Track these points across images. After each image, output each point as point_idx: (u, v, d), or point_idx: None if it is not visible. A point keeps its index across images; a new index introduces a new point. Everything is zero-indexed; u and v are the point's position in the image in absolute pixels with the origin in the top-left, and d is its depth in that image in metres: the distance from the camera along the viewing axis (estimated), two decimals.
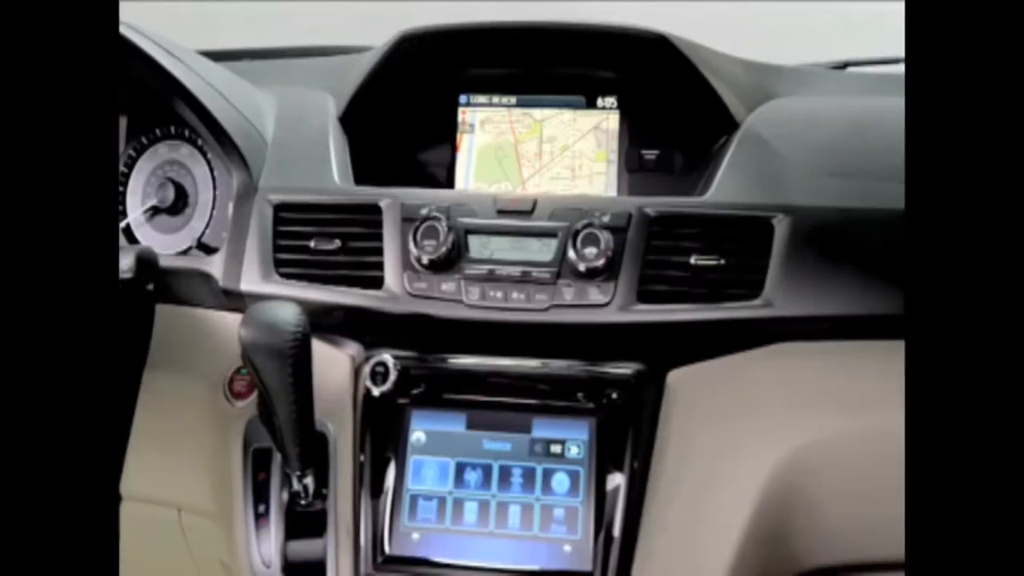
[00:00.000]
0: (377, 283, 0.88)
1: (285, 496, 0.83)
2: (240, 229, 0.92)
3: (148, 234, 1.07)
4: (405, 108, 1.10)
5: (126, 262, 0.86)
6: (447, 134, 1.12)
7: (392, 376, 0.83)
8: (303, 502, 0.82)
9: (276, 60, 1.28)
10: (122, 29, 0.89)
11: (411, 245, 0.87)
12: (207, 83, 0.95)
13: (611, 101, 1.10)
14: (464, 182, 1.12)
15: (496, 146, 1.12)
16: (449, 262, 0.87)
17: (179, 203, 1.07)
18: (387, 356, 0.85)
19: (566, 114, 1.11)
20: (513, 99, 1.12)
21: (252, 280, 0.90)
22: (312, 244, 0.90)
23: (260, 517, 0.82)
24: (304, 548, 0.81)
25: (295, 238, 0.91)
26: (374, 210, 0.91)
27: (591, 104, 1.11)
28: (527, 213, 0.89)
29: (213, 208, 1.07)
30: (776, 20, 1.55)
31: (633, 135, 1.09)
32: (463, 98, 1.13)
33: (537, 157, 1.11)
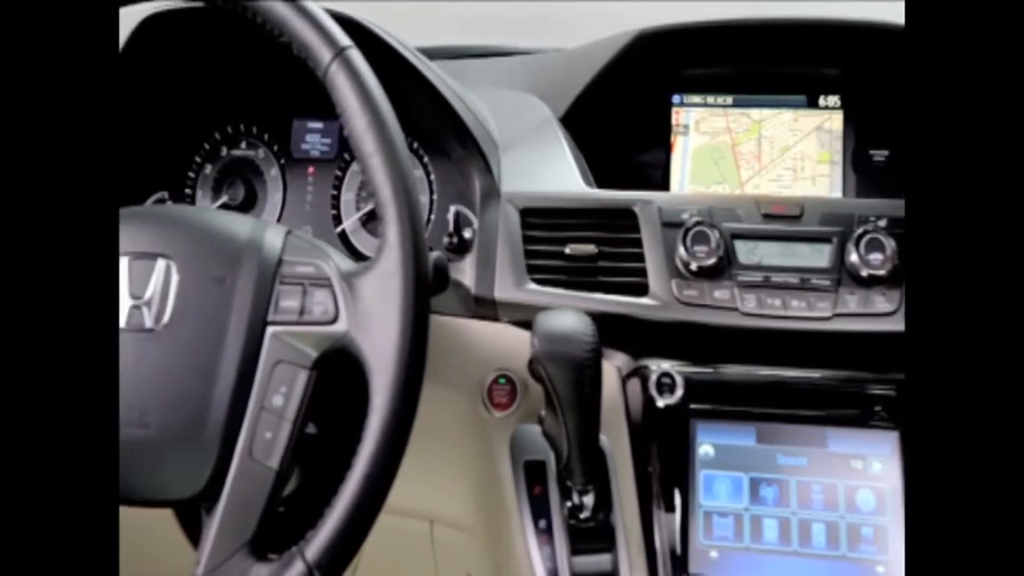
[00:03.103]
0: (641, 290, 0.85)
1: (564, 510, 0.80)
2: (488, 235, 0.90)
3: (364, 239, 1.05)
4: (619, 109, 1.07)
5: None
6: (660, 135, 1.09)
7: (679, 387, 0.81)
8: (582, 516, 0.79)
9: (456, 61, 1.26)
10: (375, 30, 0.88)
11: (680, 250, 0.84)
12: (446, 83, 0.93)
13: (834, 100, 1.07)
14: (679, 184, 1.09)
15: (712, 147, 1.09)
16: (719, 269, 0.84)
17: None
18: (668, 366, 0.82)
19: (786, 114, 1.08)
20: (729, 99, 1.09)
21: (506, 287, 0.87)
22: (567, 250, 0.87)
23: (541, 532, 0.79)
24: (591, 563, 0.78)
25: (546, 243, 0.89)
26: (627, 214, 0.89)
27: (812, 103, 1.08)
28: (796, 218, 0.86)
29: (431, 212, 1.05)
30: None
31: (859, 135, 1.06)
32: (676, 98, 1.09)
33: (756, 158, 1.08)
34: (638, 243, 0.87)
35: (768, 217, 0.86)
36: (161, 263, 0.65)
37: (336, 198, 1.06)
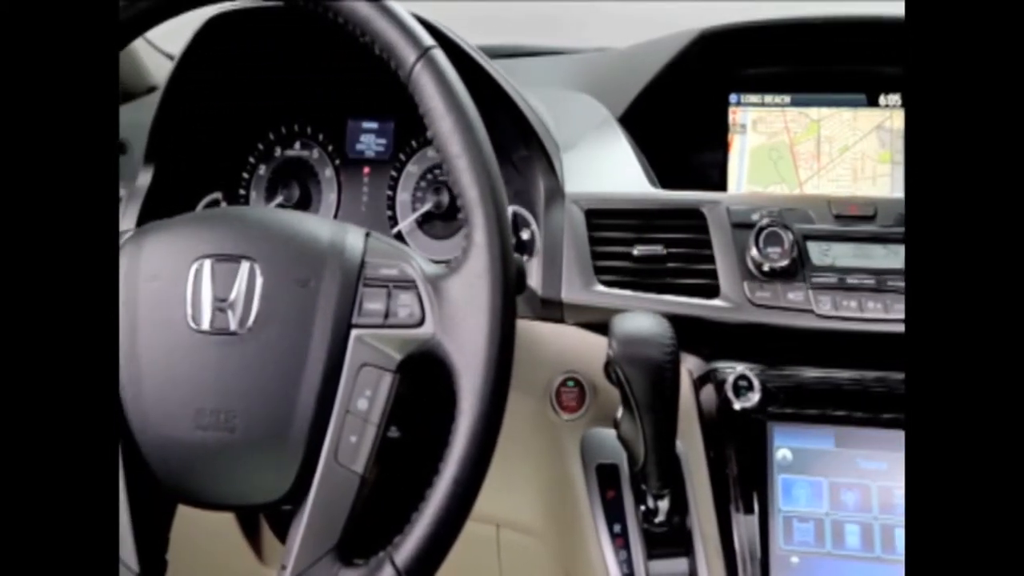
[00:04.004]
0: (711, 291, 0.84)
1: (639, 515, 0.79)
2: (553, 237, 0.89)
3: (421, 241, 1.04)
4: (677, 109, 1.06)
5: None
6: (717, 135, 1.08)
7: (757, 390, 0.79)
8: (656, 520, 0.78)
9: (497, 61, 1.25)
10: (439, 27, 0.87)
11: (753, 252, 0.83)
12: (509, 82, 0.92)
13: (895, 99, 1.05)
14: (736, 184, 1.07)
15: (770, 147, 1.08)
16: (792, 270, 0.83)
17: (452, 207, 1.04)
18: (742, 369, 0.81)
19: (845, 113, 1.07)
20: (787, 98, 1.08)
21: (573, 289, 0.86)
22: (635, 251, 0.86)
23: (616, 536, 0.78)
24: (667, 567, 0.77)
25: (612, 244, 0.88)
26: (695, 215, 0.88)
27: (872, 102, 1.06)
28: (869, 218, 0.85)
29: None
30: None
31: None
32: (733, 97, 1.08)
33: (815, 158, 1.07)
34: (707, 244, 0.86)
35: (840, 218, 0.85)
36: (245, 265, 0.65)
37: (392, 199, 1.05)
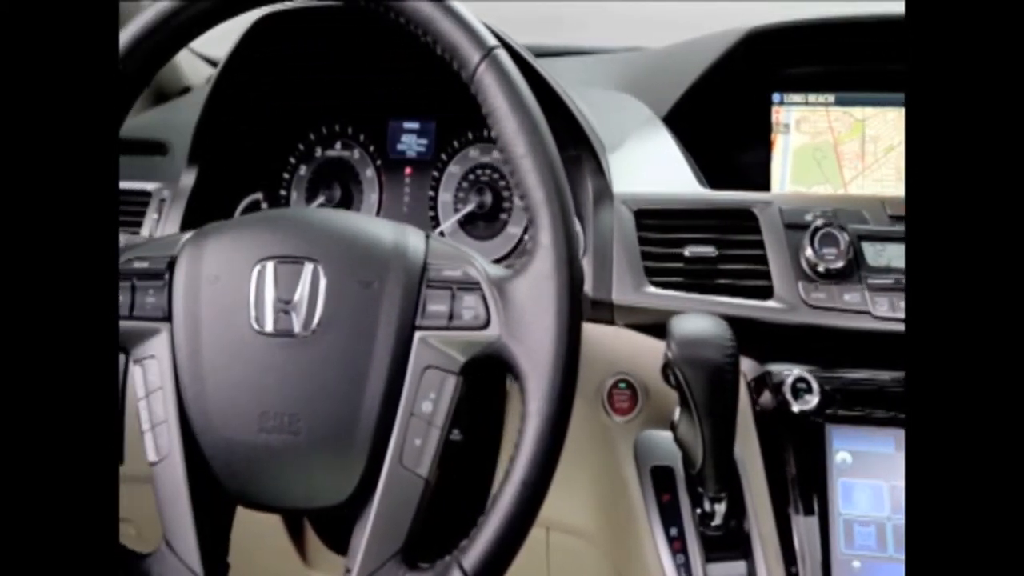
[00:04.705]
0: (764, 292, 0.83)
1: (695, 518, 0.78)
2: (602, 237, 0.88)
3: (463, 242, 1.03)
4: (720, 108, 1.06)
5: None
6: (760, 134, 1.07)
7: (816, 392, 0.79)
8: (713, 524, 0.78)
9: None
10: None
11: (808, 252, 0.82)
12: (557, 81, 0.92)
13: None
14: (780, 184, 1.07)
15: (814, 147, 1.07)
16: (848, 271, 0.82)
17: (495, 208, 1.03)
18: (800, 370, 0.80)
19: (890, 112, 1.06)
20: (831, 97, 1.07)
21: (624, 290, 0.86)
22: (687, 252, 0.86)
23: (673, 540, 0.78)
24: (725, 570, 0.76)
25: (662, 245, 0.87)
26: (747, 215, 0.87)
27: None
28: None
29: None
30: None
31: None
32: (776, 97, 1.07)
33: (859, 158, 1.06)
34: (759, 245, 0.85)
35: (896, 219, 0.84)
36: (308, 266, 0.64)
37: (433, 199, 1.05)
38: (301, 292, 0.63)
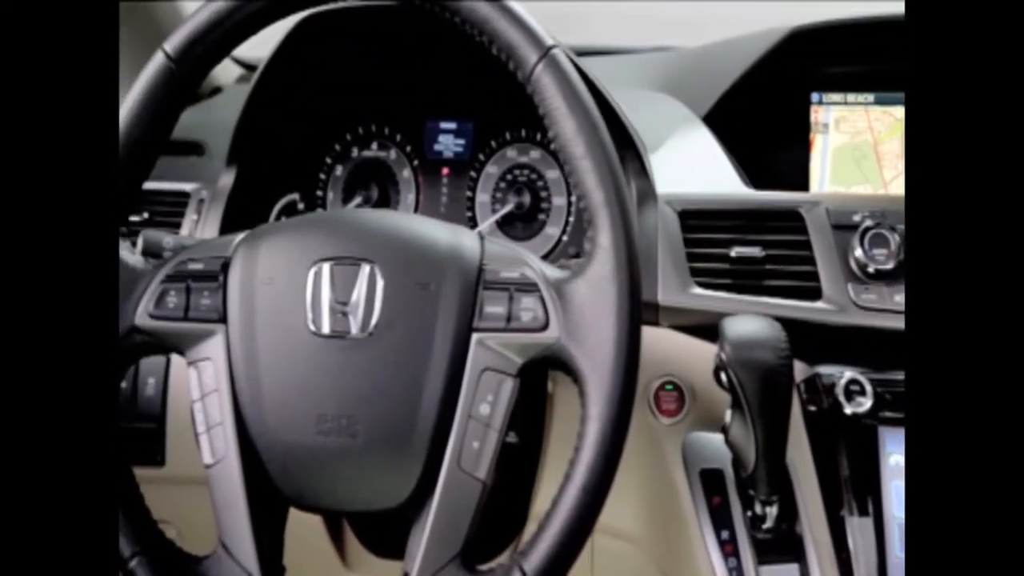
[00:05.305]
0: (812, 293, 0.83)
1: (746, 521, 0.78)
2: (647, 238, 0.88)
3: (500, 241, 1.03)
4: (760, 108, 1.05)
5: None
6: (799, 134, 1.06)
7: (869, 395, 0.78)
8: (764, 527, 0.77)
9: None
10: None
11: (858, 253, 0.81)
12: (599, 81, 0.91)
13: None
14: (819, 184, 1.06)
15: (853, 146, 1.06)
16: (898, 272, 0.81)
17: (533, 208, 1.03)
18: (852, 372, 0.79)
19: None
20: (870, 97, 1.06)
21: (670, 291, 0.85)
22: (733, 253, 0.85)
23: (724, 544, 0.77)
24: (777, 574, 0.76)
25: (708, 246, 0.86)
26: (793, 216, 0.86)
27: None
28: None
29: (569, 213, 1.03)
30: None
31: None
32: (815, 96, 1.07)
33: (899, 158, 1.05)
34: (806, 245, 0.85)
35: None
36: (365, 268, 0.64)
37: (471, 199, 1.04)
38: (358, 293, 0.63)
